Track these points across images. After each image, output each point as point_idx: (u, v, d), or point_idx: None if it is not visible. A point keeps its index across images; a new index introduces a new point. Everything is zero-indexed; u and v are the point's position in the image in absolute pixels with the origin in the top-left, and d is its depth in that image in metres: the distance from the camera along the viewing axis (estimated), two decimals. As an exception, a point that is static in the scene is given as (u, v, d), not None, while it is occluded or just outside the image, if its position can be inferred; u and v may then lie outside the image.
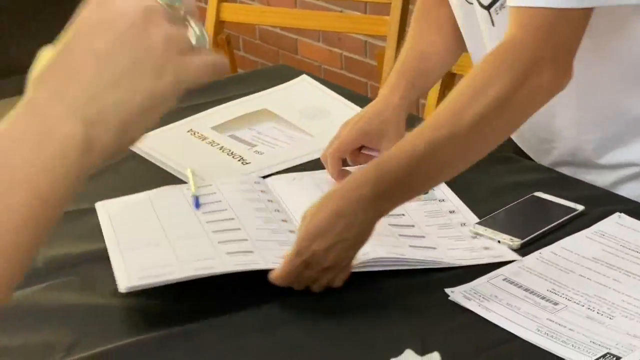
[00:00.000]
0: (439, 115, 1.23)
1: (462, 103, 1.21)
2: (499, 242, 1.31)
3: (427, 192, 1.40)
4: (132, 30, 0.69)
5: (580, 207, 1.38)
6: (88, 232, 1.35)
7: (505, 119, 1.23)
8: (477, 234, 1.33)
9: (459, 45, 1.56)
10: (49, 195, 0.68)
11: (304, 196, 1.38)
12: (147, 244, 1.28)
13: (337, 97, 1.76)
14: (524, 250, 1.29)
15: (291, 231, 1.31)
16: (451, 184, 1.42)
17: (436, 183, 1.27)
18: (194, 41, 0.71)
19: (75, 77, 0.69)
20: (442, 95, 2.30)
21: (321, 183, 1.45)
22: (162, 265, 1.21)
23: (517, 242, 1.31)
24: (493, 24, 1.42)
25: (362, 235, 1.18)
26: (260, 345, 1.13)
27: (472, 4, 1.46)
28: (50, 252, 1.31)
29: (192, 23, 0.72)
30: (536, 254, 1.28)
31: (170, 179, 1.52)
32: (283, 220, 1.34)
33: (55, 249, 1.32)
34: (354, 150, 1.46)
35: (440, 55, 1.55)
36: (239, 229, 1.30)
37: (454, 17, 1.53)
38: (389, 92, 1.48)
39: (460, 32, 1.54)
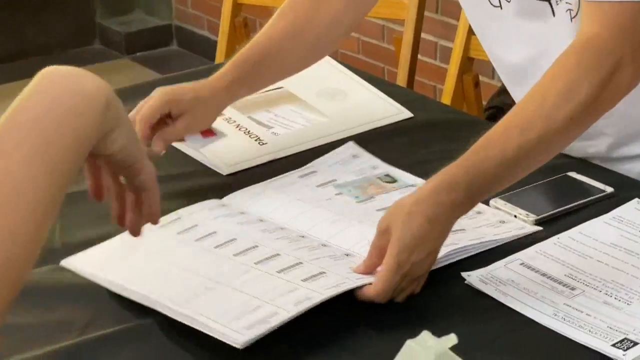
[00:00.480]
0: (527, 117, 1.21)
1: (552, 106, 1.21)
2: (515, 216, 1.32)
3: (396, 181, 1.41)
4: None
5: (609, 189, 1.38)
6: (105, 213, 1.34)
7: (591, 118, 1.25)
8: (496, 207, 1.34)
9: (311, 56, 1.54)
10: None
11: (282, 206, 1.34)
12: (198, 292, 1.14)
13: (356, 78, 1.75)
14: (545, 232, 1.28)
15: (324, 245, 1.24)
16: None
17: (517, 180, 1.26)
18: None
19: None
20: (459, 79, 2.29)
21: (283, 188, 1.40)
22: (255, 307, 1.10)
23: (532, 217, 1.31)
24: (554, 15, 1.40)
25: (447, 238, 1.18)
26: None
27: (497, 6, 1.44)
28: (67, 232, 1.31)
29: None
30: (554, 238, 1.27)
31: (180, 156, 1.52)
32: (301, 237, 1.27)
33: (72, 229, 1.32)
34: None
35: (284, 62, 1.49)
36: (279, 254, 1.20)
37: (314, 29, 1.49)
38: (215, 79, 1.43)
39: (314, 44, 1.51)
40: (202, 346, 1.10)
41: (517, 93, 1.58)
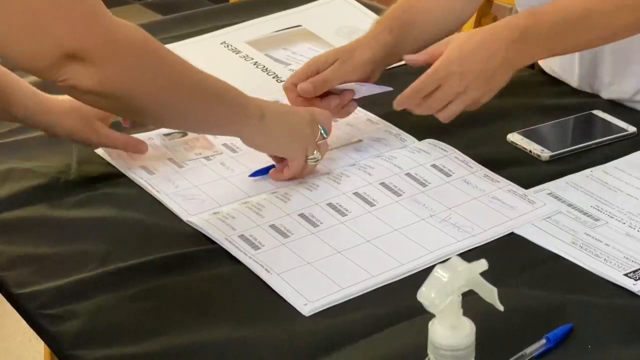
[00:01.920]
0: None
1: None
2: (530, 152, 1.31)
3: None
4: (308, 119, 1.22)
5: (632, 129, 1.35)
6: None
7: None
8: (512, 142, 1.33)
9: (457, 11, 1.46)
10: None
11: None
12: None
13: (374, 16, 1.72)
14: (575, 166, 1.27)
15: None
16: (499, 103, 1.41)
17: (576, 50, 1.33)
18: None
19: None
20: (478, 23, 2.27)
21: None
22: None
23: (546, 153, 1.30)
24: None
25: (496, 76, 1.23)
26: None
27: None
28: (87, 168, 1.30)
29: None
30: (587, 171, 1.26)
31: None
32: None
33: (94, 165, 1.31)
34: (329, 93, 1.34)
35: (430, 14, 1.42)
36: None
37: None
38: (361, 37, 1.38)
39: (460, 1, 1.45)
40: (215, 281, 1.09)
41: None
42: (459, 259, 0.78)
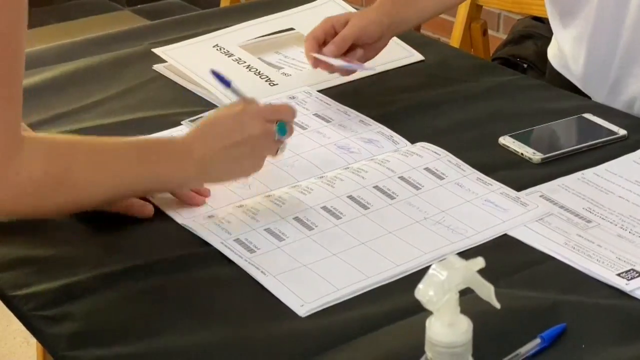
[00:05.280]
0: None
1: None
2: (522, 155, 1.31)
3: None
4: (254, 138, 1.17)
5: (622, 132, 1.36)
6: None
7: None
8: (504, 145, 1.34)
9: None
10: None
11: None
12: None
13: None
14: (566, 169, 1.28)
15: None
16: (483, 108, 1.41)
17: None
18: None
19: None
20: (467, 27, 2.27)
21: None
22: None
23: (538, 156, 1.31)
24: None
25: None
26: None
27: None
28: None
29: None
30: (578, 174, 1.27)
31: (193, 99, 1.50)
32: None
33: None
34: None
35: None
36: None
37: None
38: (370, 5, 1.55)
39: None
40: (210, 283, 1.09)
41: (562, 32, 1.60)
42: (457, 257, 0.78)
